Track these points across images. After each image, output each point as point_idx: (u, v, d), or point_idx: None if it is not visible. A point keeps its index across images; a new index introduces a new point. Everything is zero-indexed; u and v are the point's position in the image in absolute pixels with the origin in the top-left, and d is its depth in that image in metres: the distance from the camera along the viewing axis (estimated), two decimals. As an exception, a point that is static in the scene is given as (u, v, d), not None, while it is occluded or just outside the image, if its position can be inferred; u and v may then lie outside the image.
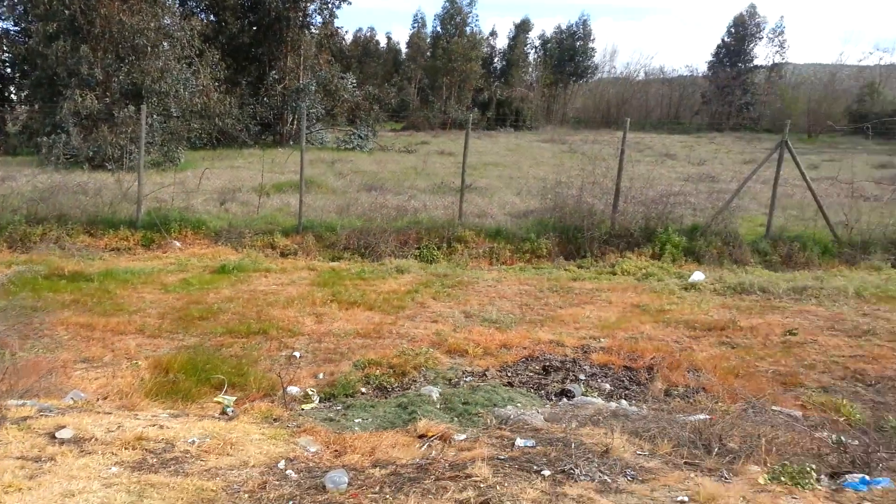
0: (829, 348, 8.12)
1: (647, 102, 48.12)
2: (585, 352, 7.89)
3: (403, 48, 57.30)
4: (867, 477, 4.05)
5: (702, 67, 48.92)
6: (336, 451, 4.35)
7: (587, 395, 6.64)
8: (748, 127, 40.55)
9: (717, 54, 44.93)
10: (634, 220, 12.85)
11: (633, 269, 11.64)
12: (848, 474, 4.13)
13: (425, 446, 4.24)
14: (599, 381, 7.14)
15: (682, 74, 50.11)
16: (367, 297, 9.53)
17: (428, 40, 53.48)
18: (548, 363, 7.48)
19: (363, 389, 6.49)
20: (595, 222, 12.73)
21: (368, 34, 58.24)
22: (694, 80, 47.68)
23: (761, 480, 3.53)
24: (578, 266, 12.02)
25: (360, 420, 5.26)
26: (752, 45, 43.26)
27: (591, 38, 51.75)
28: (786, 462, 3.76)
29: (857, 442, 5.46)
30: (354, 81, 33.81)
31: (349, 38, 55.50)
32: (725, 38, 44.36)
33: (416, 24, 55.13)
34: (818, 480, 3.79)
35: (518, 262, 12.25)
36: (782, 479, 3.54)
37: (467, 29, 50.80)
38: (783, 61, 43.70)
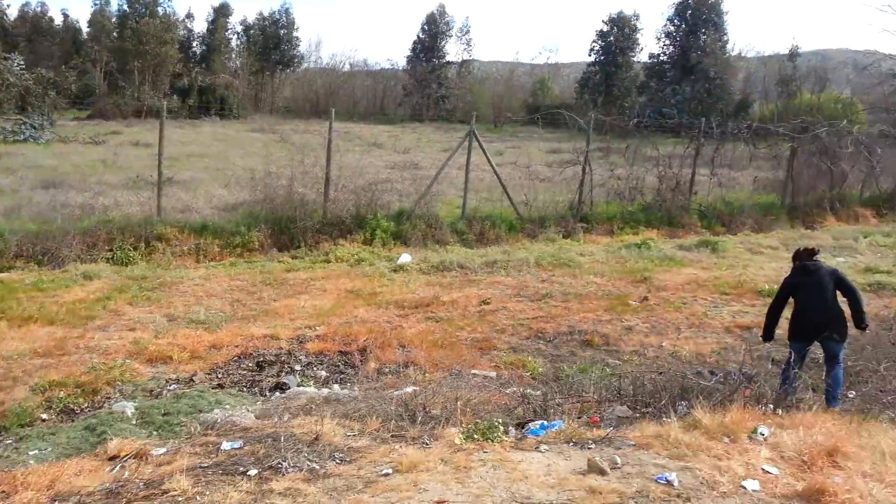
0: (516, 313, 9.14)
1: (354, 93, 49.35)
2: (301, 342, 7.82)
3: (84, 27, 51.04)
4: (545, 422, 4.63)
5: (402, 62, 51.61)
6: (4, 492, 3.70)
7: (303, 386, 6.60)
8: (445, 118, 43.91)
9: (414, 49, 47.73)
10: (346, 207, 13.08)
11: (346, 255, 11.85)
12: (531, 422, 4.68)
13: (117, 468, 3.81)
14: (315, 369, 7.14)
15: (385, 68, 52.36)
16: (46, 310, 8.30)
17: (114, 20, 48.34)
18: (262, 359, 7.27)
19: (44, 416, 5.64)
20: (307, 212, 12.68)
21: (39, 10, 50.71)
22: (395, 74, 50.11)
23: (457, 441, 3.82)
24: (293, 257, 11.89)
25: (36, 451, 4.56)
26: (443, 42, 46.85)
27: (295, 26, 51.47)
28: (478, 420, 4.12)
29: (539, 393, 6.25)
30: (22, 63, 29.21)
31: (13, 13, 47.81)
32: (420, 35, 47.33)
33: (98, 2, 49.45)
34: (506, 432, 4.22)
35: (228, 257, 11.69)
36: (475, 436, 3.87)
37: (160, 9, 46.97)
38: (470, 58, 48.11)
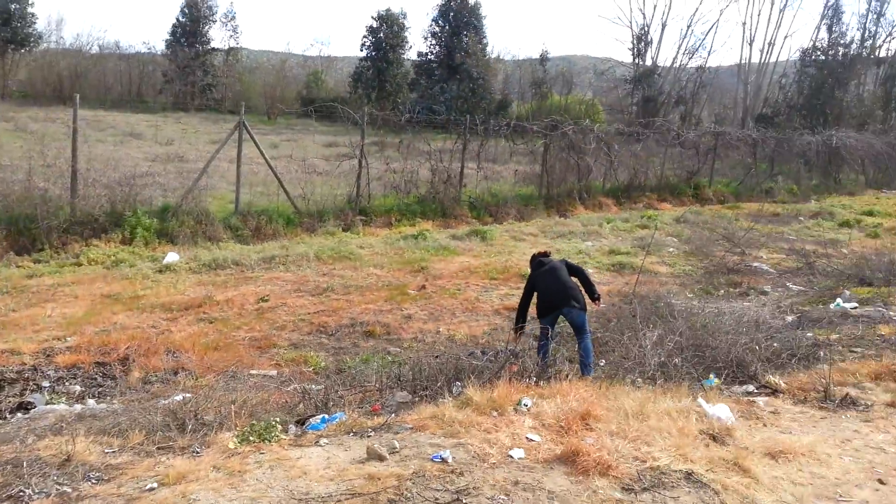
0: (296, 308, 8.94)
1: (105, 79, 44.57)
2: (48, 355, 6.92)
3: None
4: (326, 416, 4.57)
5: (160, 46, 47.72)
6: None
7: (53, 403, 5.84)
8: (213, 108, 41.54)
9: (174, 33, 44.38)
10: (98, 204, 11.79)
11: (101, 257, 10.71)
12: (312, 418, 4.60)
13: None
14: (68, 384, 6.37)
15: (141, 51, 48.04)
16: None
17: None
18: (0, 377, 6.31)
19: None
20: (51, 210, 11.22)
21: None
22: (154, 59, 46.21)
23: (231, 445, 3.63)
24: (35, 261, 10.47)
25: None
26: (207, 28, 44.12)
27: (30, 1, 45.14)
28: (254, 422, 3.95)
29: (321, 387, 6.17)
30: None
31: None
32: (180, 18, 44.15)
33: None
34: (285, 430, 4.10)
35: (-51, 264, 9.96)
36: (251, 438, 3.71)
37: None
38: (238, 46, 45.92)
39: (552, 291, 6.68)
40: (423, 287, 10.23)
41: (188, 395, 5.66)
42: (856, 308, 8.38)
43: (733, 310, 8.07)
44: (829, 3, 42.21)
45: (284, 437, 3.84)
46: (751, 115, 42.31)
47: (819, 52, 41.40)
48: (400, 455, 3.42)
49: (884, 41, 44.30)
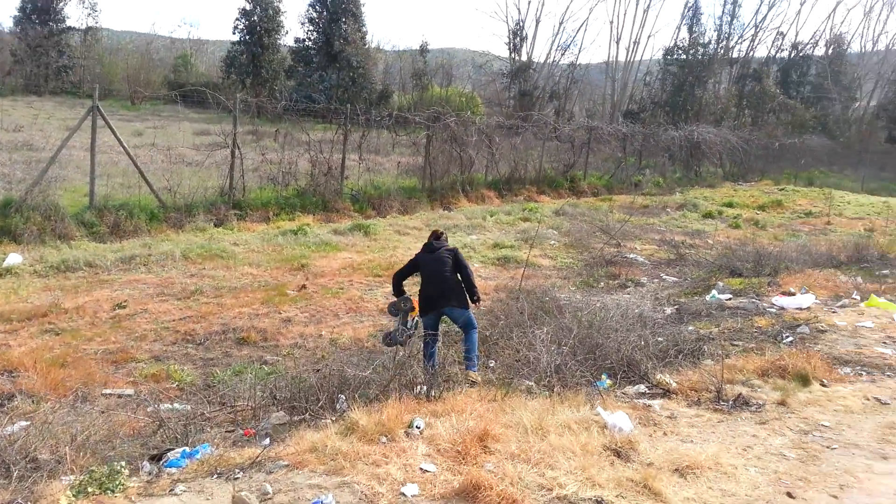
0: (159, 315, 8.07)
1: (-62, 56, 39.69)
2: None
3: None
4: (188, 448, 3.95)
5: (8, 23, 43.09)
6: None
7: None
8: (70, 91, 38.01)
9: (23, 10, 40.23)
10: (-81, 199, 10.21)
11: (-79, 260, 9.24)
12: (171, 451, 3.96)
13: None
14: None
15: (-15, 28, 43.18)
16: None
17: None
18: None
19: None
20: None
21: None
22: (0, 37, 41.69)
23: (64, 501, 2.97)
24: None
25: None
26: (61, 4, 40.31)
27: None
28: (94, 468, 3.29)
29: (185, 407, 5.49)
30: None
31: None
32: (27, -7, 40.05)
33: None
34: (137, 472, 3.47)
35: None
36: (90, 489, 3.06)
37: None
38: (97, 25, 42.31)
39: (432, 285, 6.42)
40: (304, 287, 9.61)
41: (25, 423, 4.82)
42: (731, 300, 8.67)
43: (618, 304, 8.09)
44: (689, 5, 44.89)
45: (133, 483, 3.21)
46: (619, 111, 44.23)
47: (680, 52, 43.84)
48: (273, 502, 2.92)
49: (736, 42, 47.66)
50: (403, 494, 3.07)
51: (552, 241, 14.14)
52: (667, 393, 5.02)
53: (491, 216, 16.12)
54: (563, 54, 45.21)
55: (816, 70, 46.90)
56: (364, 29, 40.92)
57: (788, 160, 33.35)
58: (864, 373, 5.57)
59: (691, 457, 3.65)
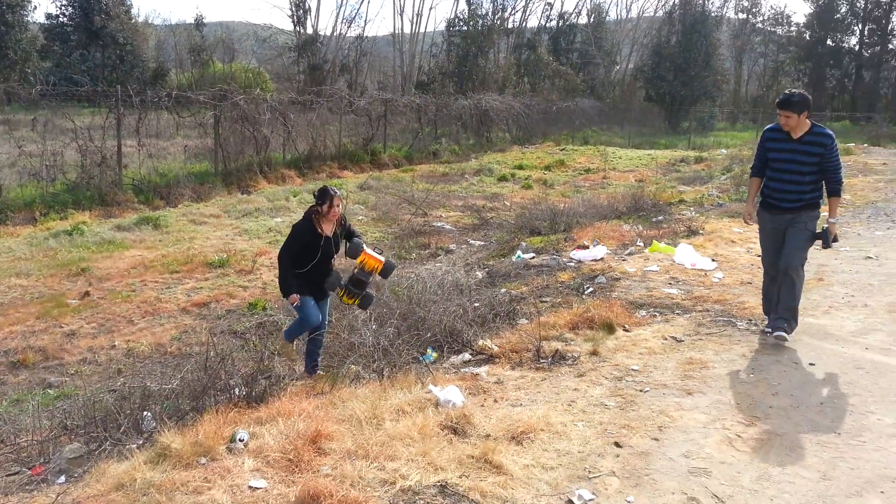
0: None
1: None
2: None
3: None
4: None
5: None
6: None
7: None
8: None
9: None
10: None
11: None
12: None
13: None
14: None
15: None
16: None
17: None
18: None
19: None
20: None
21: None
22: None
23: None
24: None
25: None
26: None
27: None
28: None
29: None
30: None
31: None
32: None
33: None
34: None
35: None
36: None
37: None
38: None
39: (321, 273, 5.49)
40: (87, 293, 8.52)
41: None
42: (534, 258, 9.10)
43: (432, 274, 8.13)
44: (462, -23, 46.25)
45: None
46: (410, 83, 44.84)
47: (461, 23, 45.26)
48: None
49: (510, 13, 50.20)
50: (237, 521, 2.75)
51: (360, 217, 13.96)
52: (490, 357, 5.10)
53: (294, 196, 15.52)
54: (349, 26, 44.75)
55: (581, 38, 50.91)
56: (128, 2, 37.19)
57: (565, 122, 36.05)
58: (657, 314, 6.08)
59: (524, 421, 3.70)
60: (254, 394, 4.31)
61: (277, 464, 3.17)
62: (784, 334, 5.20)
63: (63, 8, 35.50)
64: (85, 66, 33.31)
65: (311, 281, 5.49)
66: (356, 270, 5.57)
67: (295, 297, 5.38)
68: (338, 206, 5.49)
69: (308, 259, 5.42)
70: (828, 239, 5.37)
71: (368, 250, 5.66)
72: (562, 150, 28.24)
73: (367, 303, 5.70)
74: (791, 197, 5.35)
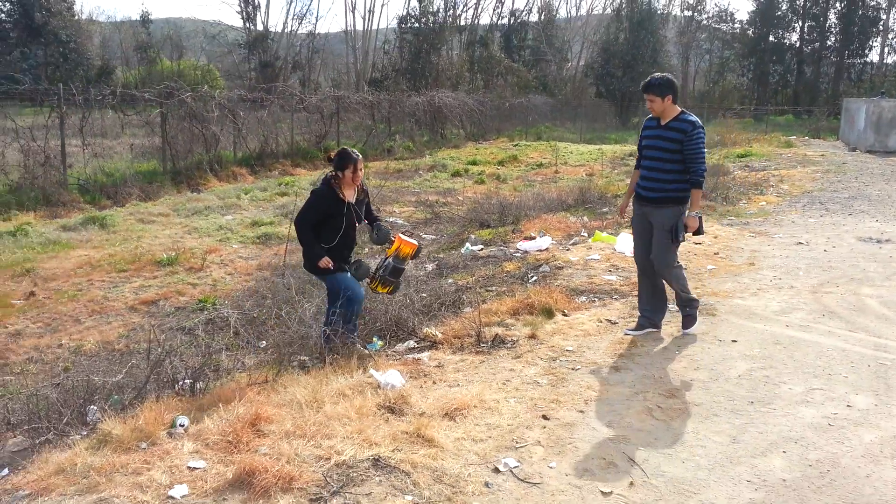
0: None
1: None
2: None
3: None
4: None
5: None
6: None
7: None
8: None
9: None
10: None
11: None
12: None
13: None
14: None
15: None
16: None
17: None
18: None
19: None
20: None
21: None
22: None
23: None
24: None
25: None
26: None
27: None
28: None
29: None
30: None
31: None
32: None
33: None
34: None
35: None
36: None
37: None
38: None
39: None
40: (33, 294, 8.40)
41: None
42: (482, 250, 9.30)
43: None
44: (413, -27, 46.20)
45: None
46: (364, 80, 44.75)
47: (413, 20, 45.35)
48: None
49: (462, 11, 50.54)
50: (172, 497, 2.83)
51: (311, 214, 13.97)
52: (434, 344, 5.26)
53: (246, 194, 15.43)
54: (300, 23, 44.43)
55: (533, 35, 51.52)
56: (70, -2, 36.26)
57: (518, 118, 36.44)
58: (596, 299, 6.33)
59: (459, 399, 3.88)
60: (198, 385, 4.39)
61: (216, 446, 3.28)
62: (691, 329, 5.31)
63: (2, 4, 34.44)
64: (26, 65, 32.36)
65: (340, 254, 5.13)
66: (391, 258, 5.26)
67: (326, 260, 4.98)
68: (361, 169, 5.12)
69: (334, 230, 5.05)
70: (678, 232, 5.04)
71: (401, 235, 5.42)
72: (515, 146, 28.57)
73: (397, 290, 5.46)
74: (654, 185, 5.11)
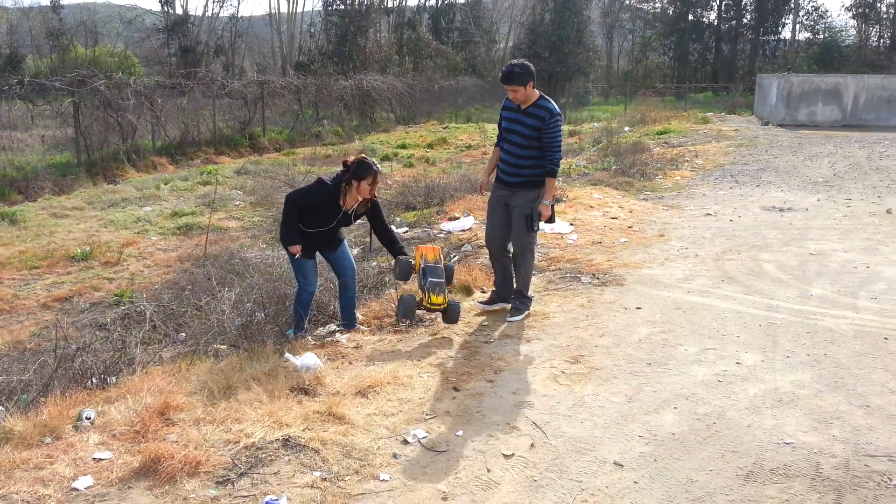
0: None
1: None
2: None
3: None
4: None
5: None
6: None
7: None
8: None
9: None
10: None
11: None
12: None
13: None
14: None
15: None
16: None
17: None
18: None
19: None
20: None
21: None
22: None
23: None
24: None
25: None
26: None
27: None
28: None
29: None
30: None
31: None
32: None
33: None
34: None
35: None
36: None
37: None
38: None
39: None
40: (-66, 295, 8.01)
41: None
42: (407, 231, 9.38)
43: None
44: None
45: None
46: (290, 64, 43.83)
47: (339, 2, 44.60)
48: None
49: (389, -8, 49.91)
50: (76, 489, 2.82)
51: (237, 202, 13.73)
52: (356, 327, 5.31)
53: (166, 184, 15.02)
54: (221, 6, 43.05)
55: (461, 17, 51.46)
56: (-30, -18, 34.07)
57: (448, 100, 36.47)
58: (514, 275, 6.50)
59: (373, 377, 3.96)
60: (110, 380, 4.33)
61: (124, 436, 3.27)
62: (516, 319, 5.18)
63: None
64: (-76, 54, 30.35)
65: (317, 242, 5.06)
66: (432, 264, 5.11)
67: (297, 247, 4.89)
68: (377, 184, 4.95)
69: (316, 224, 4.95)
70: (533, 222, 5.05)
71: (421, 247, 5.38)
72: (445, 129, 28.64)
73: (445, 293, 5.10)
74: (510, 170, 5.11)
